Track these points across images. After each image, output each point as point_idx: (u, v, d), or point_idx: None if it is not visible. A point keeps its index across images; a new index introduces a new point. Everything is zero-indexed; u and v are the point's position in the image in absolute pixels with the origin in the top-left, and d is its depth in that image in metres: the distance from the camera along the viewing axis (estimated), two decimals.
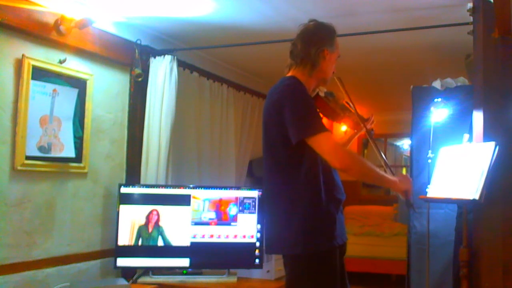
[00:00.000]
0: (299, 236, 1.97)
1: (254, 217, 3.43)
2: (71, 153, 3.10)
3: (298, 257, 1.99)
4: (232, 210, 3.43)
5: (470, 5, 2.55)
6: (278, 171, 2.05)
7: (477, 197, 2.15)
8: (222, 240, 3.39)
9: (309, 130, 1.93)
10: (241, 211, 3.43)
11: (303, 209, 1.98)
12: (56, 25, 2.93)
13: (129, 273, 3.35)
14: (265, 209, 2.14)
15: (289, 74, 2.13)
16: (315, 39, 2.10)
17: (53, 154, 2.98)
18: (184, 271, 3.39)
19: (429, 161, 3.20)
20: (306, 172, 1.98)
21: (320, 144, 1.93)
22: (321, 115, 2.20)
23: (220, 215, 3.41)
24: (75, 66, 3.13)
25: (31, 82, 2.82)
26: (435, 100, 3.24)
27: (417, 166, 3.59)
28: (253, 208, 3.43)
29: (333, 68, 2.19)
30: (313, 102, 2.07)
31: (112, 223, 3.33)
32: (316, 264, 1.96)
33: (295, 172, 1.99)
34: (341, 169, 1.93)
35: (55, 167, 3.01)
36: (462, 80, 3.59)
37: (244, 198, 3.44)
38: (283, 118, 1.97)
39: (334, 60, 2.17)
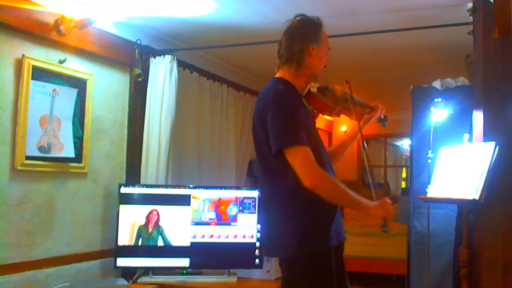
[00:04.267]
0: (293, 238, 1.94)
1: (254, 217, 3.42)
2: (71, 153, 3.10)
3: (292, 259, 1.97)
4: (232, 210, 3.42)
5: (470, 5, 2.55)
6: (270, 174, 2.02)
7: (477, 197, 2.15)
8: (222, 240, 3.39)
9: (286, 140, 1.89)
10: (241, 211, 3.43)
11: (296, 211, 1.95)
12: (56, 25, 2.93)
13: (129, 273, 3.34)
14: (261, 211, 2.13)
15: (277, 75, 2.10)
16: (298, 36, 2.05)
17: (53, 154, 2.98)
18: (184, 271, 3.39)
19: (429, 161, 3.20)
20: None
21: (293, 157, 1.88)
22: (316, 112, 2.14)
23: (220, 215, 3.41)
24: (75, 66, 3.13)
25: (31, 82, 2.82)
26: (435, 100, 3.24)
27: (417, 166, 3.59)
28: (253, 208, 3.42)
29: (324, 61, 2.12)
30: (296, 111, 1.98)
31: (112, 223, 3.33)
32: (311, 265, 1.94)
33: (287, 175, 1.94)
34: (310, 188, 1.87)
35: (55, 167, 3.01)
36: (462, 80, 3.59)
37: (244, 198, 3.44)
38: (267, 125, 1.94)
39: (323, 54, 2.11)
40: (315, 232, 1.96)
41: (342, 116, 2.28)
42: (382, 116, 2.34)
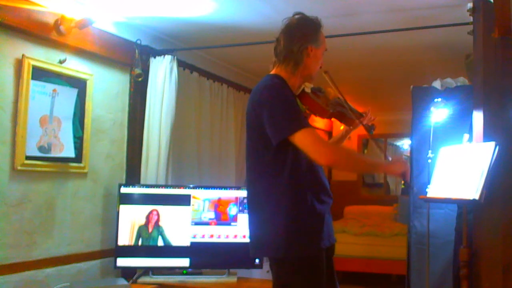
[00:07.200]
0: (282, 239, 1.92)
1: None
2: (71, 153, 3.10)
3: (283, 260, 1.95)
4: (232, 210, 3.43)
5: (470, 5, 2.55)
6: (261, 172, 2.00)
7: (477, 197, 2.14)
8: (222, 240, 3.39)
9: (290, 128, 1.88)
10: (241, 211, 3.43)
11: (286, 211, 1.93)
12: (56, 25, 2.93)
13: (129, 273, 3.35)
14: (249, 211, 2.08)
15: (273, 72, 2.08)
16: (298, 36, 2.02)
17: (53, 154, 2.98)
18: (184, 271, 3.39)
19: (429, 161, 3.20)
20: (289, 173, 1.93)
21: (302, 141, 1.87)
22: (308, 112, 2.13)
23: (220, 215, 3.41)
24: (75, 66, 3.13)
25: (31, 82, 2.82)
26: (435, 100, 3.24)
27: (417, 166, 3.59)
28: None
29: (320, 63, 2.12)
30: (294, 101, 2.00)
31: (112, 223, 3.33)
32: (300, 267, 1.92)
33: (278, 174, 1.94)
34: (327, 165, 1.88)
35: (55, 167, 3.01)
36: (462, 80, 3.60)
37: (244, 198, 3.44)
38: (262, 119, 1.93)
39: (320, 55, 2.10)
40: (305, 233, 1.94)
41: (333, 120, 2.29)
42: (370, 124, 2.33)
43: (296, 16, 2.08)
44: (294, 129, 1.87)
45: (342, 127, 2.41)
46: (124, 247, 3.27)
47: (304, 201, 1.94)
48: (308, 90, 2.12)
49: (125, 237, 3.27)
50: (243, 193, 3.45)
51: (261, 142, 1.96)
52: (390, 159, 2.15)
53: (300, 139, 1.87)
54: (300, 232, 1.93)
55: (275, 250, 1.95)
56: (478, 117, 2.42)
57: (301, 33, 2.04)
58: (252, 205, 2.08)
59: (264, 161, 1.98)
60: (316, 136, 1.90)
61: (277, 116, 1.90)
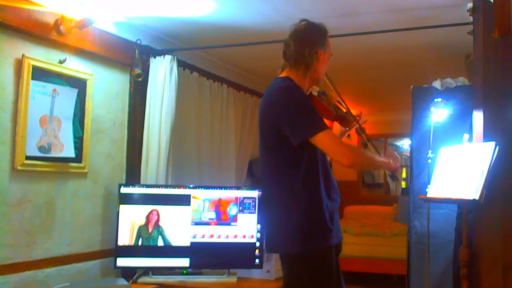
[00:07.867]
0: (297, 235, 1.98)
1: (254, 217, 3.42)
2: (71, 153, 3.10)
3: (295, 257, 2.00)
4: (232, 210, 3.42)
5: (470, 5, 2.55)
6: (277, 171, 2.06)
7: (477, 197, 2.15)
8: (222, 240, 3.39)
9: (312, 129, 1.94)
10: (241, 211, 3.43)
11: (301, 209, 1.99)
12: (56, 25, 2.93)
13: (129, 273, 3.34)
14: (263, 208, 2.15)
15: (283, 75, 2.13)
16: (308, 41, 2.09)
17: (53, 154, 2.98)
18: (184, 271, 3.39)
19: (429, 161, 3.20)
20: (304, 172, 1.99)
21: (324, 142, 1.94)
22: None
23: (220, 215, 3.41)
24: (75, 66, 3.13)
25: (31, 82, 2.82)
26: (435, 100, 3.25)
27: (417, 166, 3.59)
28: (253, 208, 3.42)
29: (327, 67, 2.19)
30: (311, 102, 2.07)
31: (112, 223, 3.33)
32: (313, 263, 1.98)
33: (294, 173, 2.00)
34: (349, 165, 1.94)
35: (55, 167, 3.01)
36: (462, 80, 3.60)
37: (244, 198, 3.44)
38: (281, 120, 1.98)
39: (327, 59, 2.17)
40: (318, 229, 1.99)
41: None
42: (362, 127, 2.41)
43: (303, 22, 2.15)
44: (315, 131, 1.93)
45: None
46: (124, 247, 3.27)
47: (317, 199, 2.00)
48: (315, 93, 2.20)
49: (125, 237, 3.27)
50: (243, 193, 3.45)
51: (277, 142, 2.02)
52: (382, 155, 2.26)
53: (321, 140, 1.94)
54: (313, 229, 1.98)
55: (291, 247, 2.00)
56: (478, 117, 2.42)
57: (311, 37, 2.11)
58: (267, 203, 2.13)
59: (278, 160, 2.04)
60: (336, 138, 2.00)
61: (297, 117, 1.96)
